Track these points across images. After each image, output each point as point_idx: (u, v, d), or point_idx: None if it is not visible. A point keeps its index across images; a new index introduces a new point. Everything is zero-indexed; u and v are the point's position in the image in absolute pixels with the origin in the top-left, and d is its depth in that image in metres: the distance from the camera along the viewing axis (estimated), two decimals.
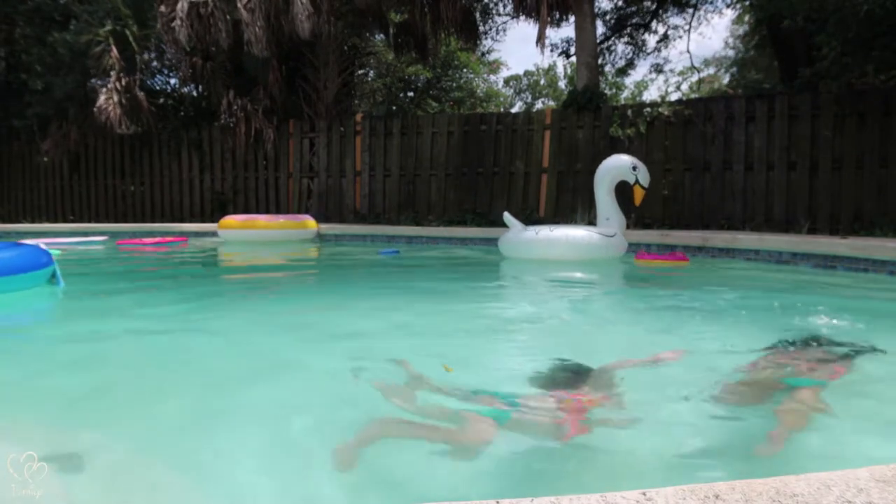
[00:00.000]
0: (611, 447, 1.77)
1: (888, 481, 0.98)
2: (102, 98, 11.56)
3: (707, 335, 3.21)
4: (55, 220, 13.69)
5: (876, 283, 5.10)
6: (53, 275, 4.39)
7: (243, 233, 9.31)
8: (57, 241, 9.10)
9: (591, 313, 4.10)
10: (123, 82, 11.73)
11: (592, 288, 5.38)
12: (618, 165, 6.77)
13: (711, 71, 22.40)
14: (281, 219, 9.62)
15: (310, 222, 9.65)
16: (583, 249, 6.37)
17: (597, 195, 6.80)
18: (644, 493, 0.95)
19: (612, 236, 6.51)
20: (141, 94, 11.98)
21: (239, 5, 10.41)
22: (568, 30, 20.57)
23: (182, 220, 12.38)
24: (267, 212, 11.80)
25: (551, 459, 1.68)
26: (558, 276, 5.67)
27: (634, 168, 6.67)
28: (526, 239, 6.59)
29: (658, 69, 17.43)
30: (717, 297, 4.31)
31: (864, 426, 1.93)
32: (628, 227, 7.26)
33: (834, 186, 8.32)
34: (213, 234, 9.69)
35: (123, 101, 11.66)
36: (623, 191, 6.86)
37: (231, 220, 9.54)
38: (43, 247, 4.56)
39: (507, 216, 6.95)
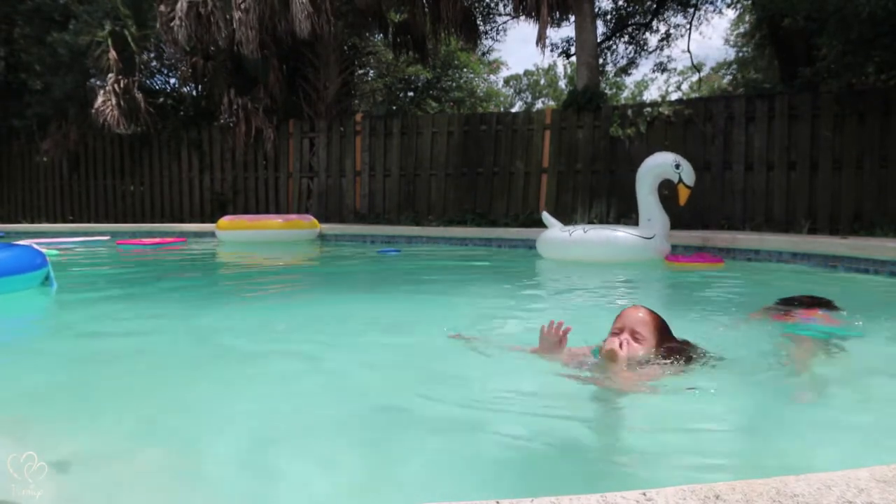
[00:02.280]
0: (612, 446, 1.77)
1: (889, 481, 0.98)
2: (100, 100, 11.57)
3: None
4: (54, 221, 13.69)
5: None
6: (47, 276, 4.31)
7: (242, 233, 9.17)
8: (61, 240, 9.12)
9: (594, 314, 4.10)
10: (122, 84, 11.73)
11: (613, 288, 5.23)
12: (660, 163, 6.51)
13: (710, 69, 22.41)
14: (280, 219, 9.52)
15: (311, 222, 9.54)
16: (617, 251, 6.16)
17: (638, 195, 6.54)
18: (644, 494, 0.94)
19: (649, 238, 6.25)
20: (139, 95, 11.97)
21: (234, 5, 10.41)
22: (568, 30, 20.58)
23: (182, 221, 12.37)
24: (267, 212, 11.79)
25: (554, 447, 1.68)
26: (578, 278, 5.57)
27: (678, 166, 6.39)
28: (560, 239, 6.43)
29: (661, 68, 17.43)
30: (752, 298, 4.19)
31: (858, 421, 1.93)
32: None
33: (834, 186, 8.32)
34: (213, 234, 9.64)
35: (122, 102, 11.66)
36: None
37: (229, 220, 9.42)
38: (36, 247, 4.47)
39: (545, 215, 6.83)
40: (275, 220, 9.47)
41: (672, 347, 2.29)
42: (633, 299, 4.69)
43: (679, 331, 2.44)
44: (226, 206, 12.26)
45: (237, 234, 9.20)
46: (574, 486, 1.53)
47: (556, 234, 6.52)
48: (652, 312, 2.33)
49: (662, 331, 2.31)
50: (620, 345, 2.22)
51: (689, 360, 2.28)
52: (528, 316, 3.79)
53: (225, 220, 9.39)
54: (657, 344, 2.26)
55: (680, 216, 9.02)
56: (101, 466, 1.66)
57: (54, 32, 12.84)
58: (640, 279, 5.65)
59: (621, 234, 6.27)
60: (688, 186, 6.41)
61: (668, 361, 2.23)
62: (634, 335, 2.25)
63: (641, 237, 6.24)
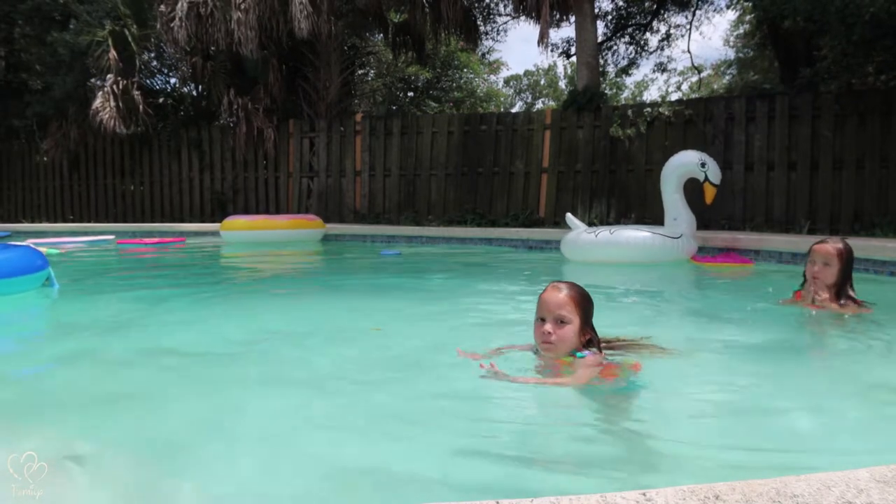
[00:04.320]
0: (612, 446, 1.77)
1: (888, 482, 0.98)
2: (98, 101, 11.58)
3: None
4: (54, 220, 13.70)
5: None
6: (48, 277, 4.26)
7: (247, 234, 8.97)
8: (66, 240, 9.12)
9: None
10: (121, 85, 11.74)
11: (633, 289, 5.04)
12: (684, 162, 6.41)
13: (710, 71, 22.42)
14: (286, 219, 9.31)
15: (317, 222, 9.36)
16: (643, 252, 6.05)
17: (663, 194, 6.47)
18: (644, 494, 0.94)
19: (676, 238, 6.13)
20: (138, 96, 11.97)
21: (234, 5, 10.41)
22: (568, 30, 20.61)
23: (182, 220, 12.38)
24: (267, 212, 11.79)
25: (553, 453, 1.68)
26: (599, 279, 5.46)
27: (703, 164, 6.28)
28: (584, 241, 6.34)
29: (662, 68, 17.44)
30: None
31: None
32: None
33: (834, 186, 8.33)
34: (215, 233, 9.57)
35: (120, 103, 11.66)
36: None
37: (234, 220, 9.23)
38: (36, 248, 4.40)
39: (569, 217, 6.77)
40: (280, 220, 9.27)
41: (590, 338, 2.24)
42: (653, 300, 4.65)
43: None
44: (226, 205, 12.27)
45: (242, 234, 9.00)
46: (574, 486, 1.53)
47: (580, 236, 6.43)
48: (572, 288, 2.23)
49: (586, 307, 2.22)
50: (547, 340, 2.19)
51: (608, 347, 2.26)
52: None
53: (230, 221, 9.21)
54: (582, 323, 2.19)
55: None
56: (101, 467, 1.66)
57: (54, 32, 12.86)
58: (665, 280, 5.55)
59: (647, 234, 6.14)
60: (714, 185, 6.29)
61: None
62: (560, 319, 2.17)
63: (668, 237, 6.13)
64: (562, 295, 2.18)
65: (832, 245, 3.33)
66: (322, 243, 9.40)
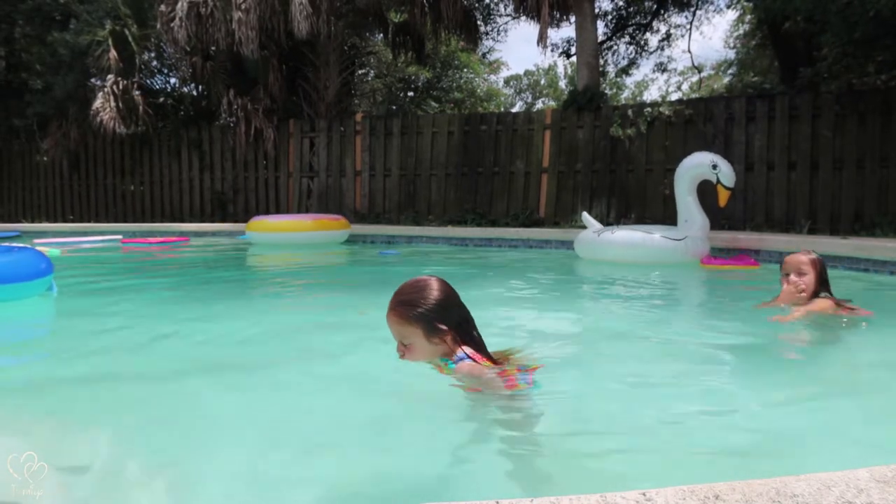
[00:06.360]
0: (609, 447, 1.77)
1: (888, 481, 0.98)
2: (98, 101, 11.58)
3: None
4: (55, 220, 13.70)
5: None
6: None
7: (273, 235, 8.68)
8: (78, 239, 9.10)
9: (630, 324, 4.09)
10: (121, 85, 11.74)
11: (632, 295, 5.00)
12: (696, 164, 6.37)
13: (710, 71, 22.41)
14: (312, 219, 8.97)
15: (342, 223, 9.06)
16: (640, 252, 6.05)
17: (676, 195, 6.47)
18: (644, 494, 0.94)
19: (679, 240, 6.08)
20: (138, 96, 11.97)
21: (234, 5, 10.40)
22: (569, 30, 20.60)
23: (182, 220, 12.38)
24: (267, 212, 11.78)
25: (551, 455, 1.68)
26: (600, 278, 5.51)
27: (715, 166, 6.22)
28: (589, 240, 6.43)
29: (662, 68, 17.44)
30: None
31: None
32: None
33: (834, 186, 8.33)
34: (216, 234, 9.49)
35: (120, 103, 11.66)
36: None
37: (261, 221, 8.93)
38: (41, 251, 4.29)
39: (585, 216, 6.81)
40: (307, 220, 8.92)
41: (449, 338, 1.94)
42: (644, 299, 4.63)
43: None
44: (226, 205, 12.27)
45: (268, 235, 8.73)
46: (574, 486, 1.53)
47: (587, 235, 6.55)
48: (401, 305, 1.93)
49: (424, 317, 1.90)
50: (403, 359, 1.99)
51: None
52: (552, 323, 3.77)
53: (256, 221, 8.95)
54: (426, 335, 1.91)
55: None
56: (103, 468, 1.66)
57: (55, 32, 12.86)
58: (662, 280, 5.49)
59: (645, 235, 6.15)
60: (727, 188, 6.23)
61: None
62: (401, 342, 1.96)
63: (670, 239, 6.11)
64: (392, 317, 1.95)
65: (804, 254, 3.30)
66: (343, 244, 9.14)
